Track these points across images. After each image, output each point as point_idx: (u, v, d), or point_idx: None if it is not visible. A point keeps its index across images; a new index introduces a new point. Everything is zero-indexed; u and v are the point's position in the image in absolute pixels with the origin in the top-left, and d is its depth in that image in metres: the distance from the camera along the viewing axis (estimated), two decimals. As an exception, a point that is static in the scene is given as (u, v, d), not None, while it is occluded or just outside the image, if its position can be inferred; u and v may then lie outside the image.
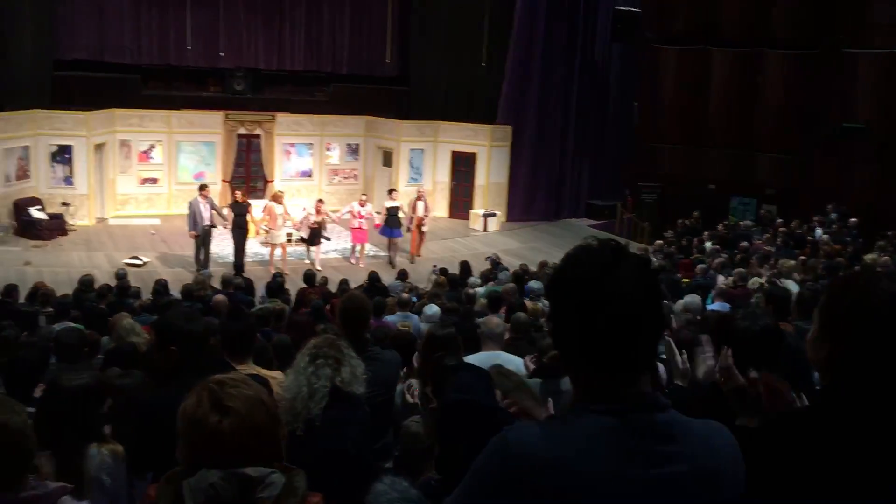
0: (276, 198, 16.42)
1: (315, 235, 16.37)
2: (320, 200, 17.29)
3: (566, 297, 1.52)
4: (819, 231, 16.32)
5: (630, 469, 1.45)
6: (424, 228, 17.53)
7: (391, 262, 16.71)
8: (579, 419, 1.51)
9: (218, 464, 1.94)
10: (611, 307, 1.46)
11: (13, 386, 3.49)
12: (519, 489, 1.45)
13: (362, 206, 16.83)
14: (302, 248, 16.86)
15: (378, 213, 17.35)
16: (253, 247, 16.78)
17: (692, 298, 7.86)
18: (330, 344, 3.42)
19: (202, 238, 15.35)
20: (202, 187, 15.98)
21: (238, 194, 16.58)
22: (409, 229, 17.31)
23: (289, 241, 16.59)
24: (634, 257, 1.53)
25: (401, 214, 17.01)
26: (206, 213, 15.42)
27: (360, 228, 16.74)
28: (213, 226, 15.58)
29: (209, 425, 1.94)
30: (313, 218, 16.32)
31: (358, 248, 17.10)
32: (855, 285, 1.77)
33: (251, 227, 16.37)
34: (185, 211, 15.94)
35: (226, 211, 16.17)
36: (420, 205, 17.37)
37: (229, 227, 15.81)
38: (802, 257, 12.78)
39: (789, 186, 20.12)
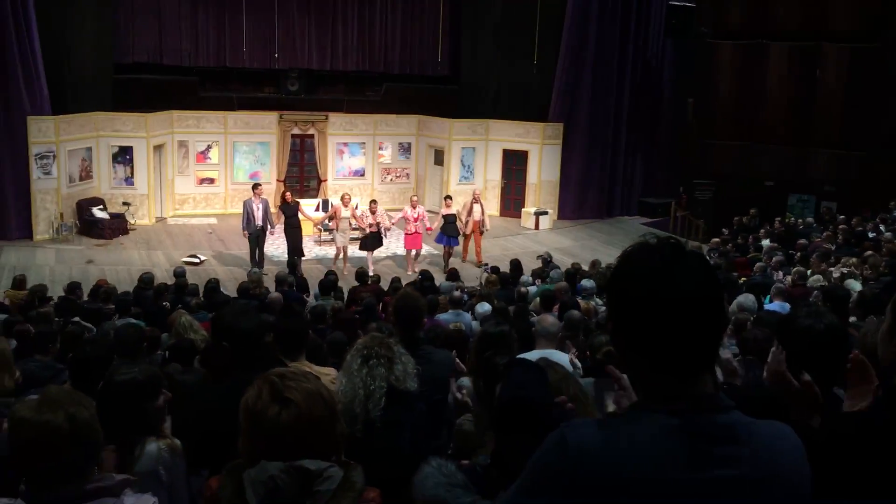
0: (344, 199, 16.26)
1: (372, 240, 16.02)
2: (374, 201, 17.03)
3: (625, 296, 1.51)
4: (882, 228, 15.84)
5: (691, 471, 1.43)
6: (485, 229, 17.01)
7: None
8: (639, 419, 1.49)
9: (277, 456, 1.99)
10: (671, 306, 1.44)
11: (78, 381, 3.59)
12: (577, 487, 1.44)
13: (414, 208, 16.36)
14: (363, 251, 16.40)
15: (430, 212, 17.21)
16: (308, 246, 16.79)
17: (746, 298, 7.71)
18: (380, 343, 3.43)
19: (255, 238, 15.44)
20: (255, 186, 16.09)
21: (288, 195, 16.54)
22: (464, 234, 16.79)
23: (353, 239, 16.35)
24: (694, 255, 1.51)
25: (458, 223, 16.51)
26: (259, 213, 15.47)
27: (415, 234, 16.24)
28: (265, 227, 15.61)
29: (269, 417, 1.99)
30: (368, 220, 16.02)
31: (413, 253, 16.51)
32: None
33: (306, 226, 16.35)
34: (241, 210, 16.21)
35: (275, 212, 16.28)
36: (476, 208, 16.80)
37: (275, 231, 15.87)
38: (868, 253, 12.44)
39: (849, 183, 19.59)
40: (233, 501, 1.99)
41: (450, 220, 16.32)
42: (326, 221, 17.56)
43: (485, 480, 2.14)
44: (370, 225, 15.93)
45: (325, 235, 17.73)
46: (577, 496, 1.44)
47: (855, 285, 9.04)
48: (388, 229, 16.38)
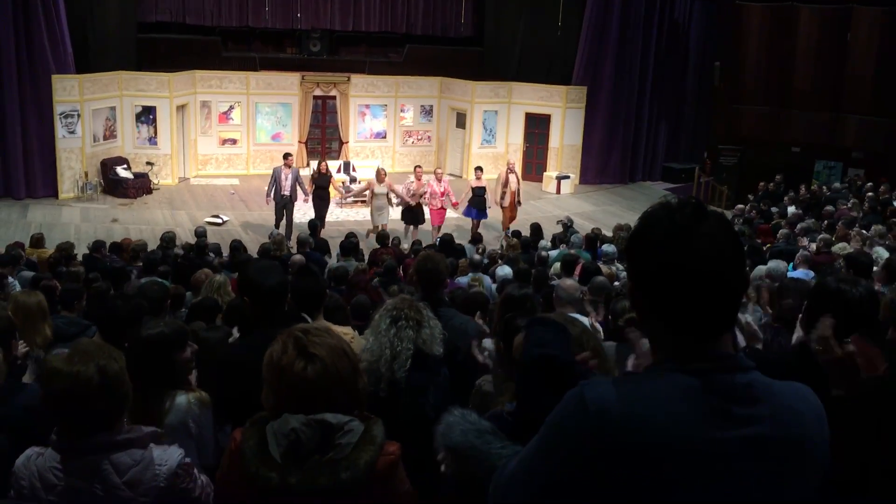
0: (379, 175, 15.37)
1: (414, 214, 15.13)
2: (419, 167, 16.13)
3: (646, 257, 1.49)
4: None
5: (709, 430, 1.42)
6: (519, 201, 16.11)
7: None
8: (659, 378, 1.49)
9: (300, 409, 2.02)
10: (692, 267, 1.43)
11: (108, 335, 3.65)
12: (594, 445, 1.44)
13: (439, 181, 15.36)
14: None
15: (451, 175, 16.89)
16: (331, 208, 16.46)
17: (777, 265, 7.63)
18: (410, 305, 3.44)
19: (282, 208, 15.11)
20: (286, 156, 15.64)
21: (324, 166, 16.32)
22: (500, 205, 15.94)
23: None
24: (715, 215, 1.49)
25: (489, 196, 15.70)
26: (287, 182, 15.05)
27: (441, 209, 15.32)
28: (293, 197, 15.16)
29: (295, 372, 2.02)
30: (413, 187, 15.02)
31: (435, 229, 15.22)
32: None
33: (338, 192, 16.32)
34: (267, 173, 16.19)
35: (307, 185, 15.81)
36: (512, 178, 15.87)
37: (308, 199, 15.64)
38: (894, 220, 12.29)
39: (878, 150, 19.26)
40: (256, 453, 2.02)
41: (478, 193, 15.51)
42: (349, 184, 17.46)
43: (512, 427, 2.14)
44: (414, 195, 15.02)
45: (348, 198, 17.55)
46: (595, 454, 1.44)
47: (882, 252, 8.95)
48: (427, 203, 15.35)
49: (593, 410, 1.45)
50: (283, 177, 15.10)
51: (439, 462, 2.27)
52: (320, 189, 15.64)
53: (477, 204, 15.62)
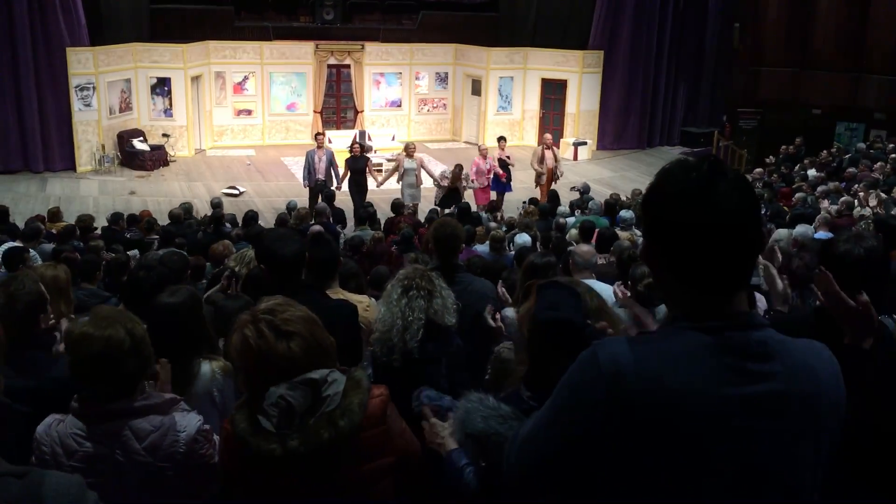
0: (409, 149, 14.46)
1: (453, 200, 13.78)
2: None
3: (662, 215, 1.48)
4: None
5: (724, 386, 1.42)
6: (558, 176, 15.32)
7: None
8: (672, 336, 1.48)
9: (282, 381, 2.01)
10: (709, 223, 1.41)
11: (130, 304, 3.67)
12: (608, 404, 1.43)
13: (485, 158, 14.62)
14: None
15: (468, 143, 16.38)
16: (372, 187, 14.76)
17: (804, 229, 7.58)
18: (421, 275, 3.42)
19: (316, 193, 13.69)
20: (317, 136, 14.76)
21: (356, 148, 14.64)
22: (537, 183, 15.36)
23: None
24: (733, 173, 1.47)
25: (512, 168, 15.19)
26: (321, 165, 14.05)
27: (486, 188, 14.59)
28: (327, 181, 14.04)
29: (279, 353, 2.01)
30: (448, 173, 14.11)
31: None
32: None
33: (375, 180, 14.67)
34: (282, 143, 15.84)
35: (342, 170, 14.48)
36: (549, 155, 15.14)
37: (342, 187, 14.22)
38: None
39: (902, 111, 18.96)
40: (251, 432, 2.01)
41: (502, 164, 14.91)
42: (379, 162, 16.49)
43: (533, 409, 2.13)
44: (443, 177, 14.18)
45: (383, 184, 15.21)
46: (610, 413, 1.43)
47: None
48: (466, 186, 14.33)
49: (607, 370, 1.44)
50: (316, 159, 14.11)
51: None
52: (356, 174, 14.22)
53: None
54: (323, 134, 15.09)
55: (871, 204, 10.57)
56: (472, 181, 14.49)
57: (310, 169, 14.16)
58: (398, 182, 14.41)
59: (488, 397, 2.19)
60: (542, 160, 15.17)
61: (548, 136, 16.14)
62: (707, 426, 1.41)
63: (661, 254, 1.50)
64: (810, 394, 1.46)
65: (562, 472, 1.56)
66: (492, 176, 14.71)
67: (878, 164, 14.30)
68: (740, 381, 1.42)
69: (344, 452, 2.03)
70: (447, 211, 12.97)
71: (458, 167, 14.25)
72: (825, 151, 17.24)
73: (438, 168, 14.80)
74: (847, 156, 16.53)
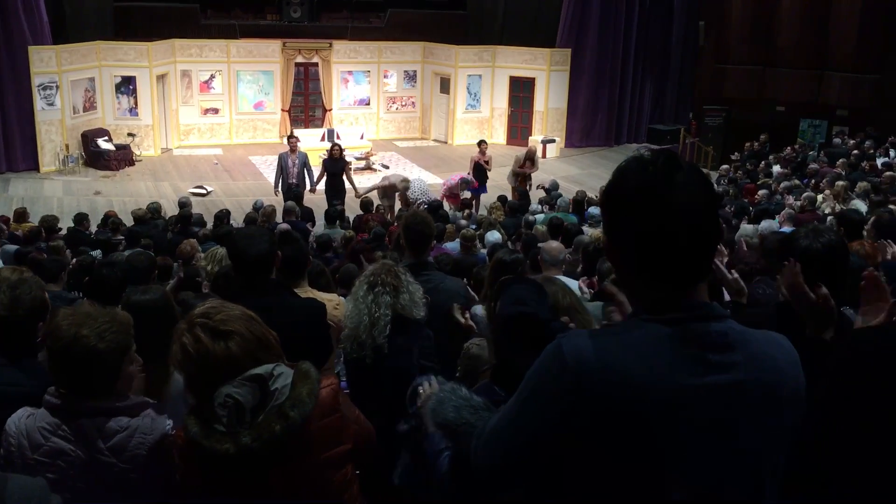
0: (395, 190, 13.66)
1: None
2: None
3: (620, 208, 1.50)
4: (893, 153, 15.69)
5: (686, 376, 1.43)
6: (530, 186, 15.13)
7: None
8: (635, 328, 1.50)
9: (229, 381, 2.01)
10: (665, 217, 1.43)
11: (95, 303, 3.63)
12: (573, 396, 1.45)
13: (483, 153, 14.83)
14: None
15: (437, 140, 16.25)
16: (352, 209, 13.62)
17: (768, 224, 7.70)
18: (387, 271, 3.43)
19: (287, 197, 12.94)
20: (290, 137, 14.25)
21: (336, 150, 14.09)
22: (511, 184, 15.24)
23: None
24: (689, 166, 1.50)
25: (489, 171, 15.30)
26: (294, 169, 13.59)
27: (457, 197, 14.38)
28: (299, 185, 13.58)
29: (219, 355, 2.00)
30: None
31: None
32: None
33: (352, 186, 14.20)
34: (250, 142, 15.72)
35: (317, 171, 14.15)
36: (529, 165, 15.14)
37: (315, 190, 13.82)
38: (887, 173, 12.38)
39: (862, 107, 19.28)
40: (203, 435, 1.99)
41: (479, 168, 15.11)
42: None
43: (505, 400, 2.13)
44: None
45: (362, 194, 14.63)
46: (575, 405, 1.45)
47: (860, 206, 9.04)
48: (444, 198, 14.20)
49: (572, 363, 1.46)
50: (290, 163, 13.61)
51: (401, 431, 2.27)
52: (333, 177, 13.81)
53: (478, 178, 15.10)
54: (296, 137, 14.59)
55: (832, 199, 10.76)
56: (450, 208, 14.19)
57: (284, 173, 13.71)
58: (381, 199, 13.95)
59: (461, 387, 2.19)
60: (522, 166, 15.08)
61: (533, 146, 16.08)
62: (670, 416, 1.43)
63: (621, 249, 1.52)
64: (771, 382, 1.49)
65: (528, 464, 1.58)
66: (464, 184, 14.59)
67: (840, 160, 14.56)
68: (702, 372, 1.45)
69: (299, 443, 2.02)
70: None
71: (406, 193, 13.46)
72: (789, 148, 17.51)
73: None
74: (811, 152, 16.80)
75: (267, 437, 1.96)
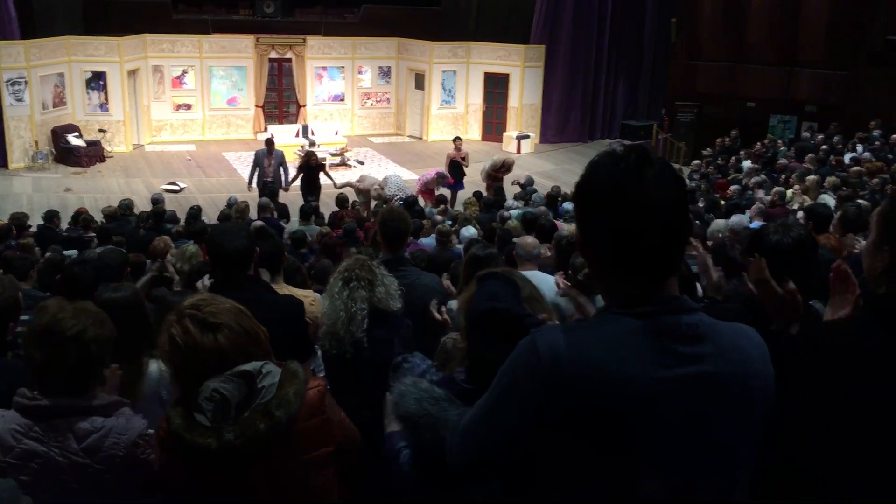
0: (371, 186, 13.65)
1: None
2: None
3: (592, 203, 1.52)
4: (860, 148, 15.92)
5: (658, 369, 1.46)
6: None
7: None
8: (607, 322, 1.52)
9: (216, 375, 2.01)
10: (637, 212, 1.46)
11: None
12: (547, 390, 1.46)
13: (458, 150, 14.74)
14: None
15: (412, 136, 16.10)
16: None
17: (739, 219, 7.78)
18: (361, 265, 3.42)
19: (263, 194, 12.57)
20: (268, 142, 14.16)
21: (313, 159, 14.19)
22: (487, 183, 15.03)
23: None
24: (660, 161, 1.52)
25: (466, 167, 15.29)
26: (270, 169, 13.65)
27: (432, 192, 14.38)
28: (275, 182, 13.52)
29: (207, 346, 2.00)
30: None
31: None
32: None
33: (331, 180, 14.36)
34: (224, 138, 15.57)
35: (293, 170, 14.31)
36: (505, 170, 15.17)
37: (289, 190, 13.88)
38: (854, 169, 12.57)
39: (831, 103, 19.54)
40: (186, 428, 1.99)
41: (455, 164, 15.13)
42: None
43: (467, 392, 2.15)
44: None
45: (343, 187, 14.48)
46: (549, 399, 1.46)
47: (829, 200, 9.18)
48: (419, 194, 14.22)
49: (545, 357, 1.47)
50: (265, 163, 13.70)
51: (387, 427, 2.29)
52: (309, 172, 13.96)
53: (454, 175, 15.11)
54: (273, 142, 14.42)
55: (801, 194, 10.91)
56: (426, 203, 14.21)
57: (259, 170, 13.71)
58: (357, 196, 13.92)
59: (422, 380, 2.22)
60: (498, 170, 15.06)
61: (510, 159, 15.93)
62: (643, 408, 1.45)
63: (593, 243, 1.54)
64: (740, 374, 1.51)
65: (503, 458, 1.60)
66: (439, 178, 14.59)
67: (809, 155, 14.75)
68: (673, 364, 1.47)
69: (283, 443, 2.02)
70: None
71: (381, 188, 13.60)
72: (759, 143, 17.70)
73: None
74: (782, 147, 17.00)
75: (250, 434, 1.96)
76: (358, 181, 14.11)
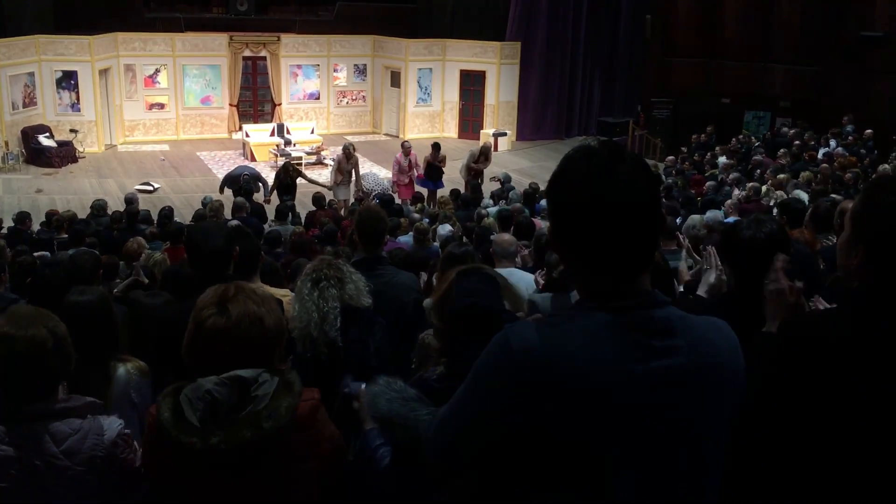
0: (346, 150, 14.12)
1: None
2: (436, 146, 15.30)
3: (564, 198, 1.52)
4: (833, 143, 16.10)
5: (629, 362, 1.46)
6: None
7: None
8: (579, 317, 1.52)
9: (211, 369, 2.00)
10: (609, 207, 1.46)
11: (38, 304, 3.54)
12: (519, 384, 1.46)
13: (408, 155, 14.64)
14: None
15: (388, 135, 16.21)
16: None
17: (714, 214, 7.83)
18: (329, 265, 3.39)
19: (237, 192, 12.70)
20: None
21: (291, 173, 14.11)
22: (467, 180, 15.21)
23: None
24: (632, 157, 1.50)
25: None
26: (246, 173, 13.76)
27: (409, 184, 14.57)
28: (249, 181, 13.49)
29: (204, 322, 2.02)
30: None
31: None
32: (891, 188, 1.76)
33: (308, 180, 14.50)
34: (197, 138, 15.47)
35: (271, 182, 14.28)
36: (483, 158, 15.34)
37: (270, 199, 13.80)
38: (824, 165, 12.69)
39: (805, 98, 19.75)
40: (173, 422, 1.98)
41: (432, 165, 15.03)
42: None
43: (439, 391, 2.15)
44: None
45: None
46: (521, 393, 1.47)
47: (802, 195, 9.28)
48: (395, 182, 14.56)
49: (517, 351, 1.47)
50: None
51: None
52: (284, 187, 13.87)
53: (432, 175, 15.08)
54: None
55: (775, 189, 11.00)
56: (393, 182, 14.49)
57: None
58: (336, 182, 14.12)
59: (396, 381, 2.23)
60: (477, 160, 15.10)
61: (486, 142, 16.12)
62: (615, 401, 1.46)
63: (566, 238, 1.53)
64: (711, 365, 1.52)
65: (476, 451, 1.61)
66: (413, 173, 14.67)
67: (781, 150, 14.89)
68: (646, 357, 1.47)
69: (268, 453, 2.01)
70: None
71: (351, 145, 14.38)
72: (734, 139, 17.84)
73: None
74: (757, 144, 17.15)
75: (235, 441, 1.95)
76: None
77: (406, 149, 14.79)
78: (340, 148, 14.67)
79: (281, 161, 16.46)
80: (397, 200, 13.56)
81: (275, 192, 13.93)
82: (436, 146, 15.46)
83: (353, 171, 14.12)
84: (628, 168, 1.48)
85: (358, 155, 14.29)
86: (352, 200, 13.95)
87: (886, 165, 12.70)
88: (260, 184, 13.95)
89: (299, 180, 14.21)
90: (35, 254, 7.62)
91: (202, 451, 1.95)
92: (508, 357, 1.49)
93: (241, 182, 13.21)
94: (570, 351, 1.46)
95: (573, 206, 1.49)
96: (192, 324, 2.05)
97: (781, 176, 11.55)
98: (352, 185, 14.25)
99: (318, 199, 12.19)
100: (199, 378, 2.00)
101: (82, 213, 11.55)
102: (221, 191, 13.87)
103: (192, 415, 1.96)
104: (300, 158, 17.00)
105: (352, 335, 3.28)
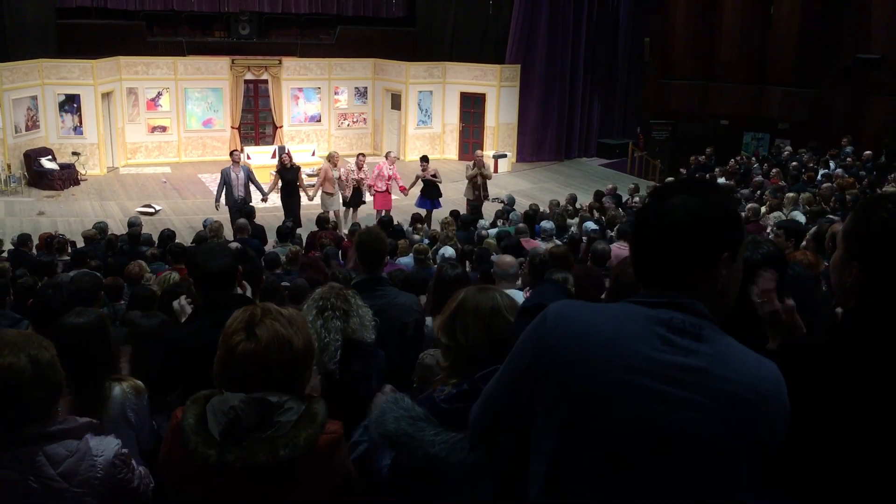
0: (332, 158, 14.66)
1: (357, 196, 14.83)
2: (362, 154, 15.62)
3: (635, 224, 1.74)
4: (832, 165, 16.16)
5: (651, 350, 1.55)
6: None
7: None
8: (619, 306, 1.66)
9: (240, 387, 2.01)
10: (652, 228, 1.64)
11: (40, 325, 3.55)
12: (548, 347, 1.60)
13: (392, 164, 14.89)
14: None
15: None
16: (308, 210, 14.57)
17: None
18: (336, 294, 3.32)
19: (237, 212, 12.52)
20: (232, 153, 14.40)
21: (286, 158, 14.54)
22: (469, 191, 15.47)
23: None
24: (700, 190, 1.64)
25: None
26: (239, 183, 13.61)
27: (386, 192, 14.85)
28: (246, 199, 13.50)
29: (232, 345, 2.03)
30: (353, 176, 14.71)
31: (383, 214, 13.94)
32: (883, 205, 1.77)
33: (306, 194, 14.68)
34: (199, 160, 15.44)
35: (269, 182, 14.56)
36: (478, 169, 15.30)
37: (269, 196, 14.14)
38: (825, 185, 12.71)
39: (802, 120, 19.85)
40: (195, 430, 2.01)
41: (428, 182, 15.14)
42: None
43: (447, 413, 2.16)
44: (355, 180, 14.71)
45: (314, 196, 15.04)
46: (547, 354, 1.60)
47: (799, 217, 9.30)
48: (372, 186, 14.87)
49: (552, 318, 1.64)
50: (234, 176, 13.64)
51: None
52: (288, 185, 14.14)
53: (430, 194, 15.12)
54: (238, 150, 14.71)
55: (775, 210, 11.03)
56: (371, 187, 14.84)
57: (228, 187, 13.67)
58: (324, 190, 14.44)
59: (404, 398, 2.23)
60: (474, 165, 15.30)
61: (477, 154, 16.28)
62: (623, 379, 1.54)
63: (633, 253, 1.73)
64: (735, 382, 1.53)
65: (508, 416, 1.76)
66: (392, 183, 14.87)
67: (774, 170, 14.93)
68: (665, 350, 1.55)
69: (279, 477, 2.03)
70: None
71: (335, 153, 15.08)
72: (733, 160, 17.91)
73: (352, 173, 15.01)
74: (755, 165, 17.21)
75: (250, 463, 1.98)
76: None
77: (391, 159, 15.15)
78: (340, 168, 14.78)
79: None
80: (367, 197, 14.46)
81: (275, 190, 14.21)
82: (424, 158, 15.52)
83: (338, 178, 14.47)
84: (686, 197, 1.62)
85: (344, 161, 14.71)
86: (342, 209, 14.58)
87: (888, 188, 12.71)
88: (252, 184, 13.95)
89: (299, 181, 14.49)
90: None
91: (215, 465, 1.98)
92: (542, 323, 1.65)
93: (240, 204, 13.26)
94: (598, 324, 1.60)
95: (634, 230, 1.73)
96: (221, 350, 2.06)
97: (790, 195, 11.55)
98: (338, 195, 14.61)
99: (321, 220, 12.21)
100: (227, 392, 2.03)
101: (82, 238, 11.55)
102: (217, 201, 13.98)
103: (214, 427, 2.00)
104: (300, 170, 17.00)
105: (350, 369, 3.25)
